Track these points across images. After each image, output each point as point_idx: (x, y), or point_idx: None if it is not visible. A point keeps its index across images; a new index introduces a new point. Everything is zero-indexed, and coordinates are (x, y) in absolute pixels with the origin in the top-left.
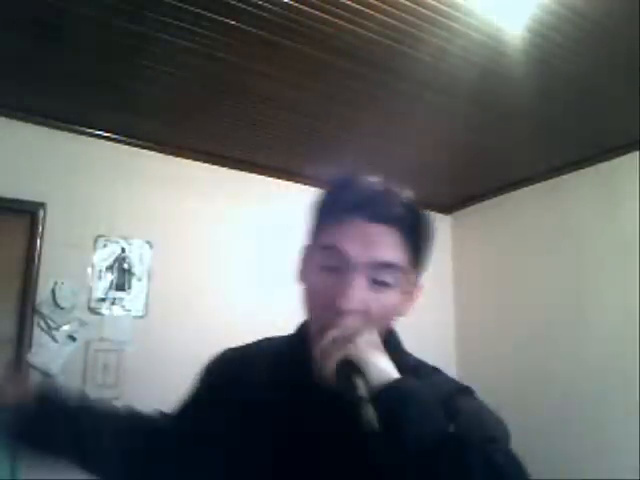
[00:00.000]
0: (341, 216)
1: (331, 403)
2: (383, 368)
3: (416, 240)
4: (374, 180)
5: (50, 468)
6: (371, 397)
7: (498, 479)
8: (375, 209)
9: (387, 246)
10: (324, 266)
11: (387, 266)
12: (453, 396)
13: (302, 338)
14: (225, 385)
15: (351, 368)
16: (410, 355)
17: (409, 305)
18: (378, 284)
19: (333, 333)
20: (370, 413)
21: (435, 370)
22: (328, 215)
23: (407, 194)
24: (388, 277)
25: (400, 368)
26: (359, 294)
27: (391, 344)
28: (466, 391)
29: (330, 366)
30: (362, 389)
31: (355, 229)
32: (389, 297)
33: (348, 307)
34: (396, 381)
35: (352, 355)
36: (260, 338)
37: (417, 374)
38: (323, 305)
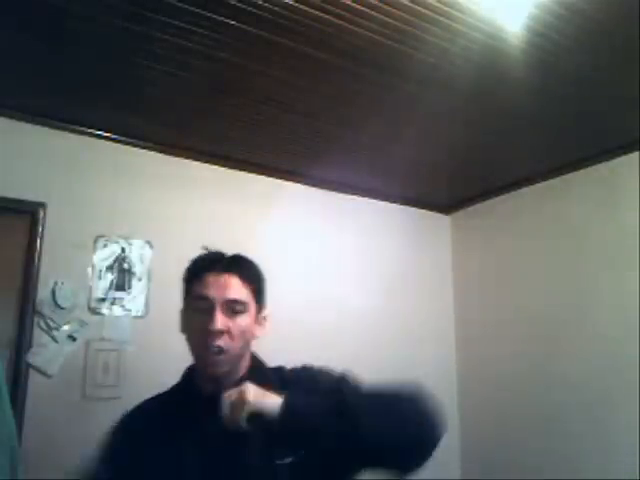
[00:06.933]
0: (204, 272)
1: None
2: (272, 402)
3: (252, 281)
4: (220, 251)
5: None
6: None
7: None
8: (222, 264)
9: (233, 288)
10: (197, 309)
11: (235, 301)
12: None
13: (190, 382)
14: (143, 444)
15: (255, 417)
16: (273, 368)
17: (260, 330)
18: (233, 312)
19: (229, 397)
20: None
21: (304, 369)
22: (196, 275)
23: (243, 255)
24: (238, 307)
25: (274, 382)
26: (221, 319)
27: (257, 365)
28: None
29: (241, 422)
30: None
31: (213, 279)
32: (242, 320)
33: (215, 327)
34: (285, 404)
35: (250, 409)
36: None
37: (287, 382)
38: (200, 338)
